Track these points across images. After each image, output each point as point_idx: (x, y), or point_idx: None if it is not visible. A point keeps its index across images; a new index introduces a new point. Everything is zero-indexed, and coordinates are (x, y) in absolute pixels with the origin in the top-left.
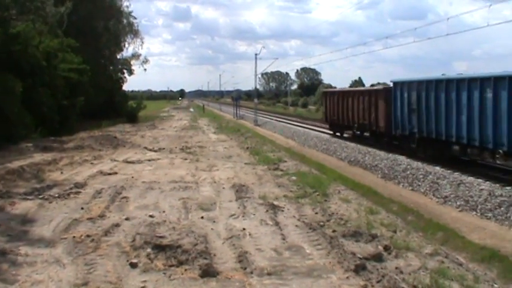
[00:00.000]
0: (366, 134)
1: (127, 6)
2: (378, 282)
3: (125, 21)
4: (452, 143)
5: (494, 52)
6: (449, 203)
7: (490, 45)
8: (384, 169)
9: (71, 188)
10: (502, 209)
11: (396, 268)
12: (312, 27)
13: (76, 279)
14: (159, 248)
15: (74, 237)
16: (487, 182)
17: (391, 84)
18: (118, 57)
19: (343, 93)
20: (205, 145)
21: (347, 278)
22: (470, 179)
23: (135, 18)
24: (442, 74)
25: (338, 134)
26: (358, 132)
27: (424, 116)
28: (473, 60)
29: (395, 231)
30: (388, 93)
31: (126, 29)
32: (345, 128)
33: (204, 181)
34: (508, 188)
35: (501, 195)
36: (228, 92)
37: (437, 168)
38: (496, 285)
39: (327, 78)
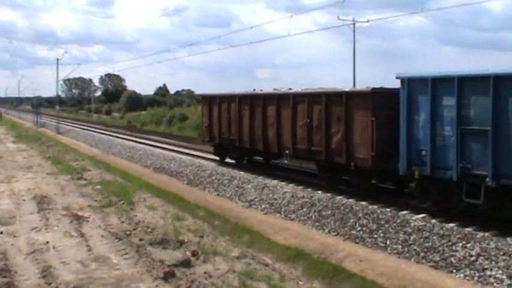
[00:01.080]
0: (272, 160)
1: None
2: None
3: None
4: None
5: (295, 60)
6: (255, 206)
7: (291, 53)
8: (190, 175)
9: None
10: (304, 209)
11: (205, 273)
12: (115, 33)
13: None
14: None
15: None
16: (290, 185)
17: (371, 85)
18: None
19: (253, 98)
20: (3, 155)
21: (156, 286)
22: (274, 182)
23: None
24: None
25: (232, 160)
26: (259, 158)
27: None
28: (275, 68)
29: (202, 237)
30: (382, 100)
31: None
32: (255, 153)
33: (3, 194)
34: (309, 189)
35: (303, 197)
36: (28, 99)
37: (242, 173)
38: (301, 282)
39: (131, 84)
